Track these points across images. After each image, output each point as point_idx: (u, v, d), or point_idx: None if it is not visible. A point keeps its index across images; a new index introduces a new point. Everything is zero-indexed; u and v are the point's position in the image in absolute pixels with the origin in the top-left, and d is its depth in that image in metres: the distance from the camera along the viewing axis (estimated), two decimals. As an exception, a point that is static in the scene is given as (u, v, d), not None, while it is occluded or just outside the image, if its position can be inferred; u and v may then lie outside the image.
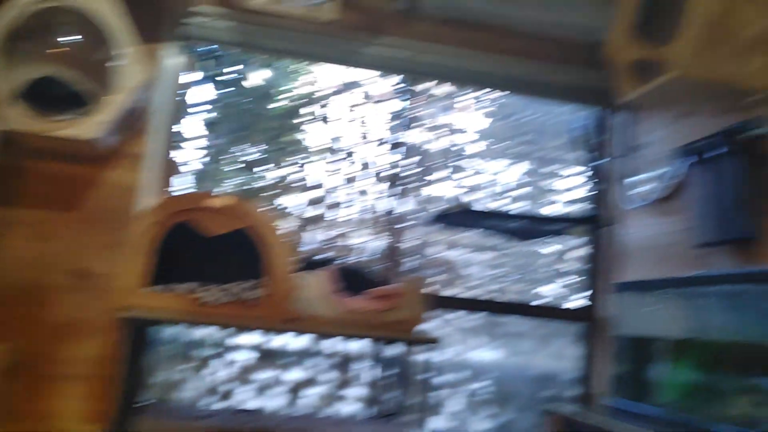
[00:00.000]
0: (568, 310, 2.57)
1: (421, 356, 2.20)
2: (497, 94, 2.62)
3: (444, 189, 2.55)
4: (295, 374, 2.40)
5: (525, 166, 2.66)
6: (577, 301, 2.63)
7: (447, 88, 2.58)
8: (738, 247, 1.89)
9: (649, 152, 2.36)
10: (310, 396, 2.41)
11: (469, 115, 2.62)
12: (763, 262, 1.79)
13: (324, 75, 2.63)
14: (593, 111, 2.68)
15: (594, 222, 2.55)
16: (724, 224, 1.87)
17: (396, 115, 2.51)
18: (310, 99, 2.61)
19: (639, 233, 2.38)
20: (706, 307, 1.87)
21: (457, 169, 2.55)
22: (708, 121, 2.07)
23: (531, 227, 2.47)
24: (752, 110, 1.82)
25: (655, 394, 2.00)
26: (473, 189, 2.58)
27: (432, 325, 2.47)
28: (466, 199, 2.48)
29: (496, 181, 2.62)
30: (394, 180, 2.44)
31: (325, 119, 2.59)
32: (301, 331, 1.93)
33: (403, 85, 2.52)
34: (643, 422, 1.95)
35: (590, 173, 2.61)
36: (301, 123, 2.61)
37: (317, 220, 2.51)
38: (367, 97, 2.60)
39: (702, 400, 1.81)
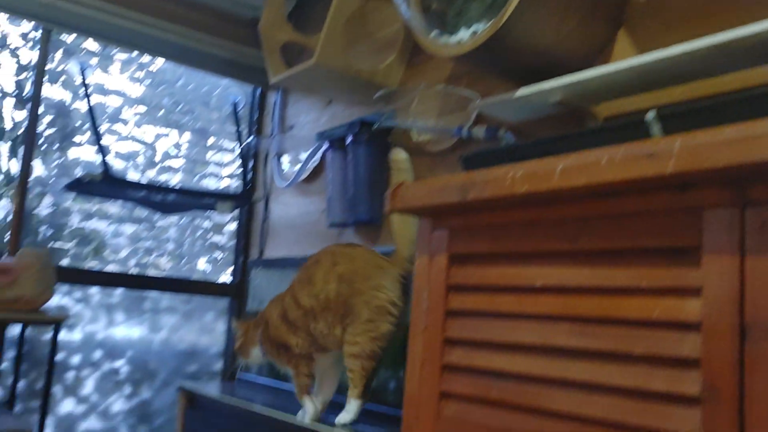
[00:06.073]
0: (214, 284, 2.57)
1: (48, 336, 2.00)
2: (151, 58, 2.48)
3: (87, 153, 2.33)
4: None
5: (180, 137, 2.57)
6: (225, 275, 2.64)
7: (93, 44, 2.35)
8: (364, 229, 2.07)
9: (298, 134, 2.46)
10: None
11: (120, 77, 2.43)
12: (383, 244, 1.99)
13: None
14: (250, 88, 2.70)
15: (243, 198, 2.58)
16: (353, 208, 2.03)
17: (25, 68, 2.22)
18: None
19: (284, 212, 2.47)
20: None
21: (104, 133, 2.35)
22: (346, 110, 2.22)
23: (179, 200, 2.40)
24: (382, 104, 1.99)
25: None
26: (122, 156, 2.41)
27: (64, 301, 2.26)
28: (112, 166, 2.30)
29: (148, 150, 2.48)
30: (26, 139, 2.15)
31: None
32: None
33: (35, 33, 2.22)
34: (269, 395, 2.04)
35: (243, 150, 2.63)
36: None
37: None
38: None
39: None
